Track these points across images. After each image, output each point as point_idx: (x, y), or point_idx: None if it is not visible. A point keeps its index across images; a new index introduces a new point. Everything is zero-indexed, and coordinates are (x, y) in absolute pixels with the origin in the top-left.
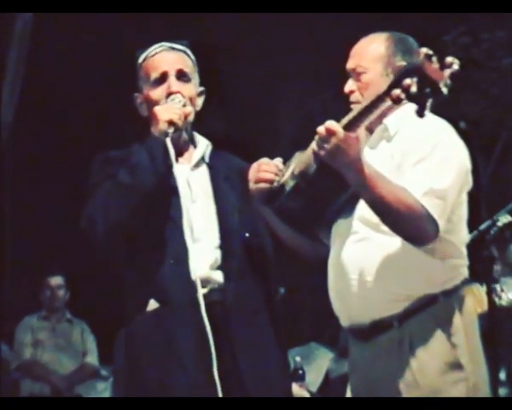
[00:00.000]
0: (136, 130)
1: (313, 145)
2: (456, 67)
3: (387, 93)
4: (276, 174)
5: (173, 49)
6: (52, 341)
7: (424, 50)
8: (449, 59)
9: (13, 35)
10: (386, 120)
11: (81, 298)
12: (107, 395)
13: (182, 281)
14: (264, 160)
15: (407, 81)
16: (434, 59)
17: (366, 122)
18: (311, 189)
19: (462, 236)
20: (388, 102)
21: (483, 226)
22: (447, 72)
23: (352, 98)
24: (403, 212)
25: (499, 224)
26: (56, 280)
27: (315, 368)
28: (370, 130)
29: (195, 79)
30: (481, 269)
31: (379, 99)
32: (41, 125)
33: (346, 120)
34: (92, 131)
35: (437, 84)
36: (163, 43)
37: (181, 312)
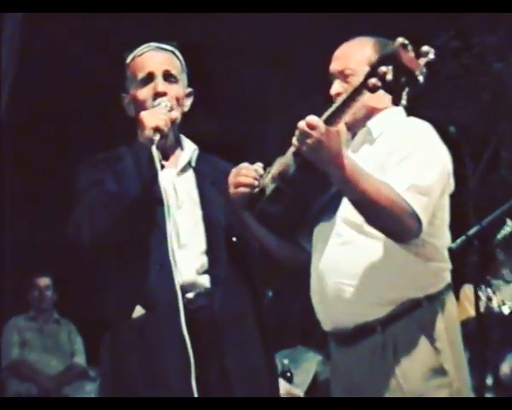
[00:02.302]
0: (123, 134)
1: (294, 141)
2: (431, 56)
3: (364, 83)
4: (256, 179)
5: (161, 49)
6: (39, 341)
7: (400, 40)
8: (425, 48)
9: (4, 29)
10: (369, 123)
11: (69, 299)
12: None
13: (167, 287)
14: (244, 164)
15: (383, 69)
16: (410, 48)
17: (346, 115)
18: (290, 190)
19: (445, 239)
20: (366, 94)
21: (471, 231)
22: (423, 60)
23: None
24: (385, 206)
25: (508, 229)
26: (44, 281)
27: (303, 371)
28: (353, 133)
29: (183, 79)
30: (470, 274)
31: (357, 91)
32: (29, 125)
33: (326, 114)
34: (78, 137)
35: (412, 73)
36: (151, 44)
37: (166, 317)
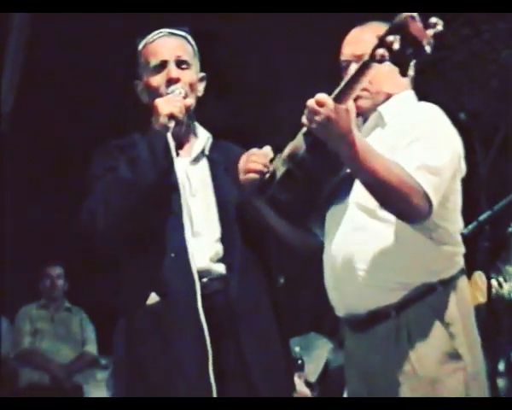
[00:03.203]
0: (136, 121)
1: (303, 119)
2: (440, 27)
3: (372, 55)
4: (266, 164)
5: (173, 34)
6: (51, 330)
7: (408, 13)
8: (433, 19)
9: (11, 29)
10: (380, 108)
11: (80, 287)
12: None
13: (182, 274)
14: (254, 150)
15: (390, 38)
16: (418, 19)
17: (355, 92)
18: (301, 171)
19: (457, 224)
20: (374, 68)
21: (483, 217)
22: (431, 31)
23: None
24: (395, 185)
25: None
26: (56, 270)
27: (314, 358)
28: (364, 118)
29: (196, 65)
30: (481, 260)
31: (365, 64)
32: (40, 116)
33: (336, 92)
34: (91, 123)
35: (420, 43)
36: (162, 30)
37: (181, 305)
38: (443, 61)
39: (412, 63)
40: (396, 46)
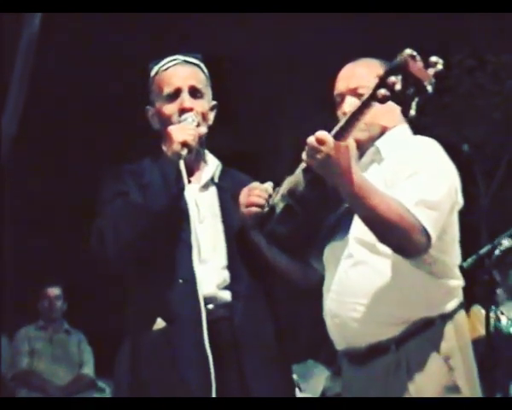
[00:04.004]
0: (138, 146)
1: (303, 156)
2: (440, 66)
3: (374, 95)
4: (267, 199)
5: (187, 62)
6: (49, 351)
7: (408, 51)
8: (433, 58)
9: (18, 50)
10: (377, 142)
11: (79, 309)
12: None
13: (189, 301)
14: (255, 184)
15: (392, 79)
16: (418, 58)
17: (355, 130)
18: (300, 207)
19: (455, 256)
20: (374, 106)
21: (483, 250)
22: (431, 71)
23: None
24: (394, 221)
25: (501, 248)
26: (54, 291)
27: (311, 386)
28: (361, 152)
29: (208, 93)
30: (481, 293)
31: (366, 103)
32: (43, 138)
33: (336, 129)
34: (94, 145)
35: (421, 83)
36: (177, 57)
37: (187, 331)
38: (447, 93)
39: (414, 102)
40: (398, 87)
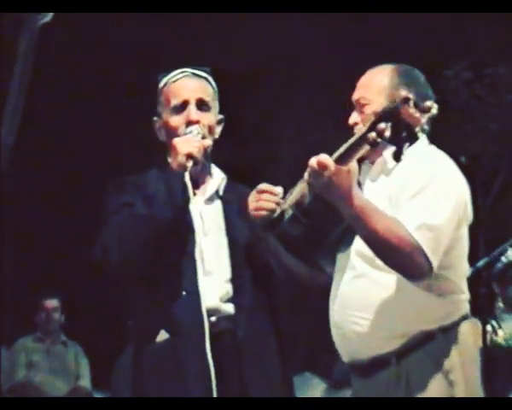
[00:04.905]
0: (139, 156)
1: (306, 176)
2: (434, 111)
3: (364, 137)
4: (277, 203)
5: (195, 75)
6: (46, 363)
7: (403, 93)
8: (428, 103)
9: (17, 56)
10: (385, 152)
11: (76, 321)
12: None
13: (192, 313)
14: (265, 186)
15: (381, 126)
16: (411, 103)
17: (357, 156)
18: (307, 219)
19: (462, 271)
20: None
21: (481, 263)
22: (424, 116)
23: (356, 130)
24: (394, 245)
25: (504, 260)
26: (52, 303)
27: None
28: (372, 161)
29: (215, 107)
30: (479, 306)
31: (360, 140)
32: (42, 147)
33: (337, 153)
34: (94, 155)
35: (412, 129)
36: (185, 69)
37: (189, 343)
38: (445, 105)
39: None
40: (387, 134)
